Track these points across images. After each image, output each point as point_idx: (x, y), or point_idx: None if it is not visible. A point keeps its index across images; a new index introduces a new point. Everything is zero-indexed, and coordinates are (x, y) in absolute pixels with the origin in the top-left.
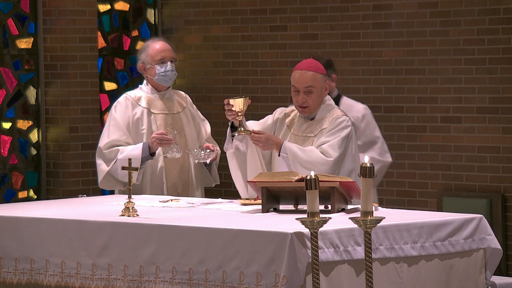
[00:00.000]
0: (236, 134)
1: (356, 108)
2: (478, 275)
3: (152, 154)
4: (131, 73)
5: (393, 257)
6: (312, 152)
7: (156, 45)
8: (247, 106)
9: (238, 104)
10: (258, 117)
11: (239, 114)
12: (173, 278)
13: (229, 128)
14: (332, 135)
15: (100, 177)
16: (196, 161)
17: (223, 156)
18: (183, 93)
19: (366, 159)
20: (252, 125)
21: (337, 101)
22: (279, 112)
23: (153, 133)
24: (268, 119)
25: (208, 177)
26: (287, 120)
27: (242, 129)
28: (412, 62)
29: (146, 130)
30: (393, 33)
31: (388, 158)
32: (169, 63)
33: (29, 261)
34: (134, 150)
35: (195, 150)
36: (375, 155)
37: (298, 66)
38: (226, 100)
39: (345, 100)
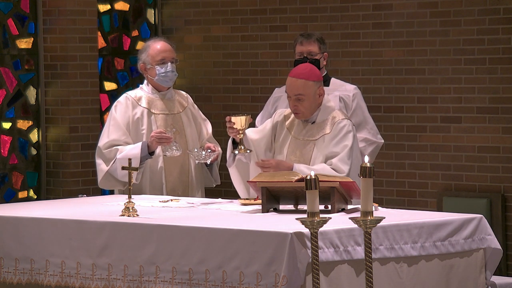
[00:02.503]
0: (236, 152)
1: (346, 88)
2: (478, 275)
3: (151, 153)
4: (131, 73)
5: (393, 257)
6: (324, 170)
7: (157, 45)
8: (249, 124)
9: (239, 122)
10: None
11: (240, 132)
12: (173, 278)
13: (230, 144)
14: (337, 144)
15: (99, 176)
16: (197, 161)
17: (224, 156)
18: (184, 93)
19: (366, 159)
20: (250, 133)
21: (326, 81)
22: (278, 114)
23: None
24: (267, 124)
25: (208, 177)
26: (287, 122)
27: (243, 147)
28: (412, 62)
29: (146, 131)
30: (393, 33)
31: (381, 140)
32: (169, 63)
33: (29, 261)
34: (133, 150)
35: (196, 150)
36: (369, 136)
37: (292, 71)
38: (228, 117)
39: (334, 80)
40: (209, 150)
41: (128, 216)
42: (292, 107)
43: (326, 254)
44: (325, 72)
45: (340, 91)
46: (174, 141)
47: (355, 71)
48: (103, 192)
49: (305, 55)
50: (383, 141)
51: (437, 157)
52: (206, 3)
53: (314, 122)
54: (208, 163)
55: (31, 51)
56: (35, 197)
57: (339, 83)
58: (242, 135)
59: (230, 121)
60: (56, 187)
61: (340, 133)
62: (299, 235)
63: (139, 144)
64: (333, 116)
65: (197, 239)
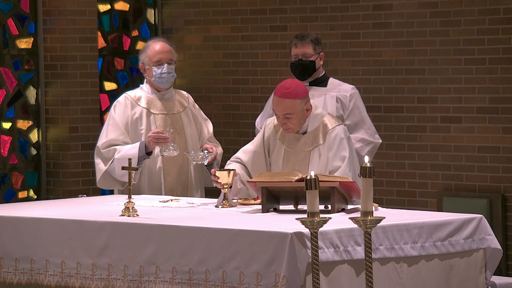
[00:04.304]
0: (220, 207)
1: (344, 87)
2: (478, 275)
3: (149, 153)
4: (131, 73)
5: (393, 257)
6: None
7: (156, 46)
8: (233, 178)
9: (224, 176)
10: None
11: (225, 186)
12: (173, 278)
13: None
14: (336, 156)
15: (98, 176)
16: (194, 163)
17: (225, 156)
18: (185, 93)
19: (366, 159)
20: (242, 155)
21: (324, 81)
22: (268, 127)
23: None
24: (258, 140)
25: (208, 177)
26: (279, 134)
27: (227, 202)
28: (412, 62)
29: (145, 130)
30: (393, 33)
31: (379, 139)
32: (166, 65)
33: (29, 261)
34: (131, 150)
35: (193, 152)
36: (366, 136)
37: (277, 90)
38: (213, 170)
39: (332, 80)
40: (206, 151)
41: (128, 216)
42: (280, 124)
43: (326, 254)
44: (323, 72)
45: (337, 91)
46: (172, 141)
47: (355, 71)
48: (103, 192)
49: (300, 57)
50: (380, 141)
51: (437, 157)
52: (206, 3)
53: (305, 133)
54: (206, 163)
55: (31, 51)
56: (35, 197)
57: (336, 83)
58: (226, 189)
59: (215, 174)
60: (56, 187)
61: (335, 144)
62: (299, 235)
63: (137, 144)
64: (324, 123)
65: (197, 239)
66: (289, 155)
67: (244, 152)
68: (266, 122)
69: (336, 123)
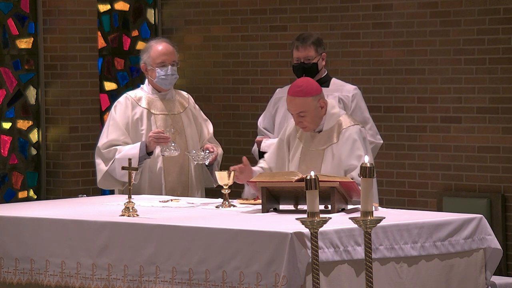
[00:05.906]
0: (222, 208)
1: (346, 88)
2: (478, 275)
3: (150, 153)
4: (131, 73)
5: (393, 257)
6: None
7: (159, 47)
8: (232, 180)
9: (223, 177)
10: (257, 117)
11: (225, 187)
12: (173, 278)
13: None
14: (351, 155)
15: (98, 176)
16: (195, 162)
17: (225, 156)
18: (185, 93)
19: (366, 159)
20: (267, 156)
21: (326, 81)
22: (290, 126)
23: None
24: (280, 138)
25: (209, 177)
26: (299, 133)
27: (227, 203)
28: (412, 62)
29: (145, 131)
30: (393, 33)
31: (380, 140)
32: (169, 66)
33: (29, 261)
34: (132, 150)
35: (194, 152)
36: (367, 137)
37: (289, 89)
38: (244, 157)
39: (334, 80)
40: (207, 151)
41: (128, 216)
42: (296, 123)
43: (326, 254)
44: (326, 73)
45: (340, 92)
46: (172, 141)
47: (355, 71)
48: (103, 192)
49: (302, 60)
50: (382, 141)
51: (437, 157)
52: (206, 3)
53: (321, 131)
54: (207, 163)
55: (31, 51)
56: (35, 197)
57: (339, 83)
58: (226, 190)
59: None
60: (56, 187)
61: (348, 143)
62: (299, 235)
63: (138, 144)
64: (340, 123)
65: (197, 239)
66: (305, 153)
67: (271, 154)
68: (290, 122)
69: (351, 123)
